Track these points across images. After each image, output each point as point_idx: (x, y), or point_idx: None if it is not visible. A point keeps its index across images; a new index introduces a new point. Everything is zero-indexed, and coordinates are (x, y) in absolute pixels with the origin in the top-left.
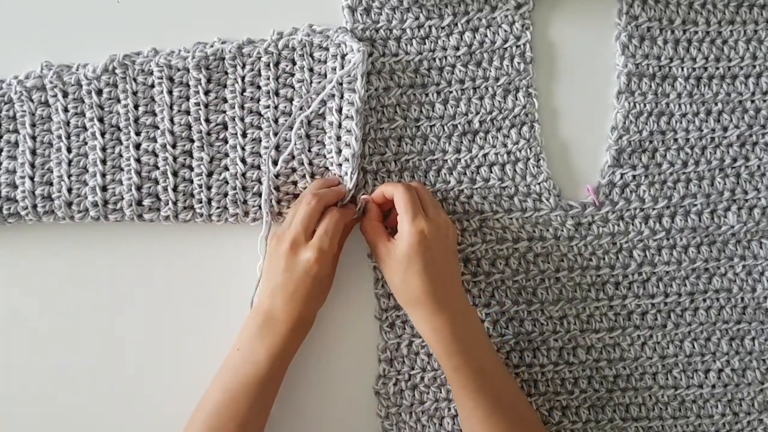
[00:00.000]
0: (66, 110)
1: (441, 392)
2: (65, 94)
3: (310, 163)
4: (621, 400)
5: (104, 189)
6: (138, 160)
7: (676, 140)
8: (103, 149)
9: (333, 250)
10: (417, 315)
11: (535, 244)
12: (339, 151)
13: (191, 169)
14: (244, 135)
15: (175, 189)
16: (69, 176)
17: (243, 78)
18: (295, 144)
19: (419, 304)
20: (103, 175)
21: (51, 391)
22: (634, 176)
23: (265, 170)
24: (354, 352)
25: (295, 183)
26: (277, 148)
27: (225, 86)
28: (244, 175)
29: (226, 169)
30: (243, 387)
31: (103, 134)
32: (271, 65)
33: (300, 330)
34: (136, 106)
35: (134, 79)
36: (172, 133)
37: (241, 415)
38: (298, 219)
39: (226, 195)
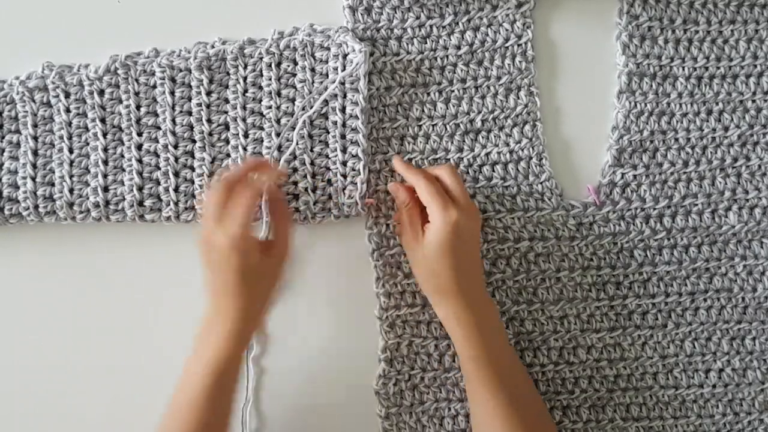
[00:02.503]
0: (68, 111)
1: (441, 392)
2: (67, 95)
3: (312, 163)
4: (621, 399)
5: (106, 189)
6: (140, 161)
7: (676, 140)
8: (105, 150)
9: (246, 234)
10: (444, 304)
11: (536, 243)
12: (344, 150)
13: (193, 169)
14: (246, 135)
15: (176, 189)
16: (71, 177)
17: (245, 78)
18: (297, 144)
19: (449, 294)
20: (105, 176)
21: (52, 391)
22: (635, 176)
23: None
24: (354, 352)
25: (295, 183)
26: (279, 148)
27: (227, 87)
28: None
29: (228, 169)
30: (198, 390)
31: (104, 135)
32: (273, 65)
33: (242, 329)
34: (138, 107)
35: (136, 80)
36: (173, 133)
37: (199, 417)
38: (214, 192)
39: None
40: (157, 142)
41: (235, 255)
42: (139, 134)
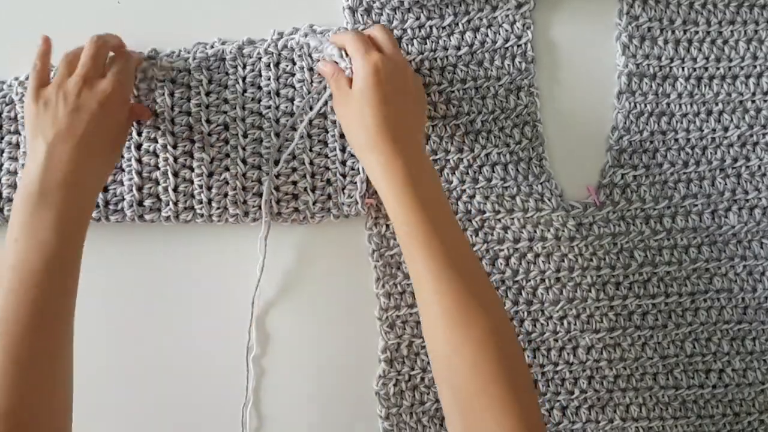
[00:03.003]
0: None
1: None
2: None
3: (311, 163)
4: (621, 400)
5: (105, 190)
6: (139, 161)
7: (676, 140)
8: None
9: (127, 94)
10: (371, 159)
11: (536, 244)
12: (343, 149)
13: (192, 169)
14: (245, 135)
15: (175, 189)
16: None
17: (244, 78)
18: (297, 144)
19: (374, 146)
20: None
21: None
22: (634, 176)
23: (266, 170)
24: (354, 352)
25: (294, 183)
26: (279, 149)
27: (226, 87)
28: (244, 175)
29: (227, 169)
30: (35, 278)
31: None
32: (272, 65)
33: (90, 192)
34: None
35: (137, 86)
36: (173, 134)
37: (41, 307)
38: (88, 55)
39: (226, 195)
40: (156, 142)
41: (113, 102)
42: (139, 134)
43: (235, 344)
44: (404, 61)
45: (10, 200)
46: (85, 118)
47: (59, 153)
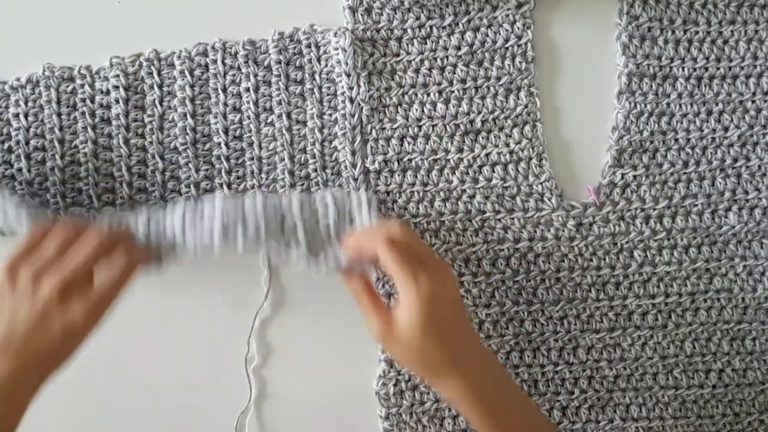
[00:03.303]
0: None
1: None
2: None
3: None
4: (621, 400)
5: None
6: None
7: (676, 140)
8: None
9: (101, 322)
10: (445, 386)
11: (536, 244)
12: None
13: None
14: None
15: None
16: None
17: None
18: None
19: (447, 373)
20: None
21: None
22: (634, 176)
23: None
24: (354, 352)
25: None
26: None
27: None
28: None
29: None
30: None
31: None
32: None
33: (19, 406)
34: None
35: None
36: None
37: None
38: (83, 251)
39: None
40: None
41: (84, 332)
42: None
43: (235, 354)
44: (446, 266)
45: None
46: (43, 341)
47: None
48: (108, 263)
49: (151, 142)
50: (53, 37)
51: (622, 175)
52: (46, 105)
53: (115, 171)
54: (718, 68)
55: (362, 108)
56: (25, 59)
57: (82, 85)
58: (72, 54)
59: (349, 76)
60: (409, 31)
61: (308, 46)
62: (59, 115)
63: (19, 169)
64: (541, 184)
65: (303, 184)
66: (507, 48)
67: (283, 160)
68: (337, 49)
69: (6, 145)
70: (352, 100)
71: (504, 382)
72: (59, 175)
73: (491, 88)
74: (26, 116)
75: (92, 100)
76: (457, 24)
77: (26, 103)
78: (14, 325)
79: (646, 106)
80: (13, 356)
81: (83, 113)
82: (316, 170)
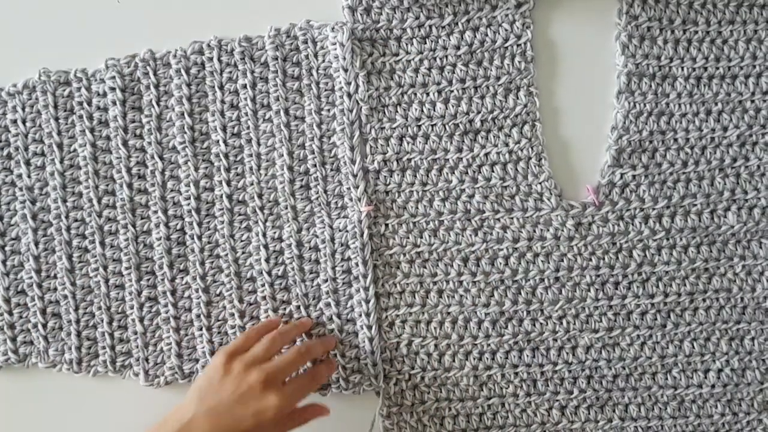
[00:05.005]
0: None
1: (441, 392)
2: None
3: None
4: (620, 399)
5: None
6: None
7: (676, 140)
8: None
9: (291, 409)
10: None
11: (535, 243)
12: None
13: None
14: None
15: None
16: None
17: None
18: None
19: None
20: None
21: None
22: (634, 176)
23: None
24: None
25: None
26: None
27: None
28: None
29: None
30: None
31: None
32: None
33: None
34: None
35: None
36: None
37: None
38: (288, 358)
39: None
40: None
41: (275, 419)
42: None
43: None
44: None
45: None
46: (236, 415)
47: (206, 422)
48: (304, 374)
49: (149, 143)
50: (48, 42)
51: (622, 174)
52: (43, 110)
53: (114, 173)
54: (717, 68)
55: (361, 107)
56: (21, 65)
57: (79, 89)
58: (68, 57)
59: (346, 71)
60: (409, 30)
61: (305, 42)
62: (57, 119)
63: (19, 175)
64: (540, 183)
65: (302, 180)
66: (506, 48)
67: (282, 156)
68: (334, 44)
69: (5, 152)
70: (350, 96)
71: None
72: (59, 180)
73: (490, 88)
74: (24, 122)
75: (89, 103)
76: (457, 24)
77: (24, 109)
78: (221, 398)
79: (645, 105)
80: (214, 423)
81: (81, 117)
82: (315, 166)
